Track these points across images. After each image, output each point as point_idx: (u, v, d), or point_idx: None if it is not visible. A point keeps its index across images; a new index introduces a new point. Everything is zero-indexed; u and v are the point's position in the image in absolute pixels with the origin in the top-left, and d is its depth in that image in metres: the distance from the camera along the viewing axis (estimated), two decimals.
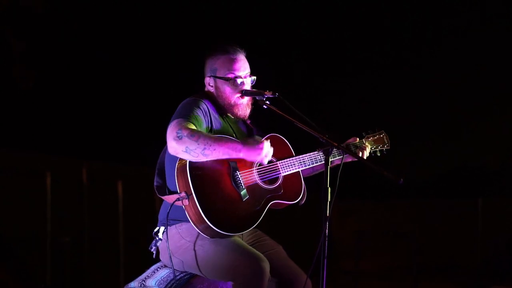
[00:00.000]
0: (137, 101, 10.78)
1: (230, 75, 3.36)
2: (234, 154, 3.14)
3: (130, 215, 8.43)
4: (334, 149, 3.29)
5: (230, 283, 3.21)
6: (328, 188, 3.07)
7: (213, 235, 3.19)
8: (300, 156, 3.43)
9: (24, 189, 7.56)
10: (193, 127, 3.15)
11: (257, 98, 3.35)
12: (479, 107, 11.81)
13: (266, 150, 3.19)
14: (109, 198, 8.37)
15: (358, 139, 3.68)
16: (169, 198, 3.24)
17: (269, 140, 3.24)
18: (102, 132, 10.76)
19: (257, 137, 3.27)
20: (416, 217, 11.55)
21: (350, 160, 3.48)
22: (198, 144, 3.07)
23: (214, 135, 3.15)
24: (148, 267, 3.46)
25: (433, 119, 12.13)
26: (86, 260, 8.00)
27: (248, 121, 3.53)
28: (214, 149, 3.09)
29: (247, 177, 3.26)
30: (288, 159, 3.41)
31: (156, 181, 3.37)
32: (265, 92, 3.32)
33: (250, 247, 3.25)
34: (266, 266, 3.16)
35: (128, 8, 10.54)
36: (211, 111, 3.32)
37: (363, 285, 9.72)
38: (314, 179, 3.59)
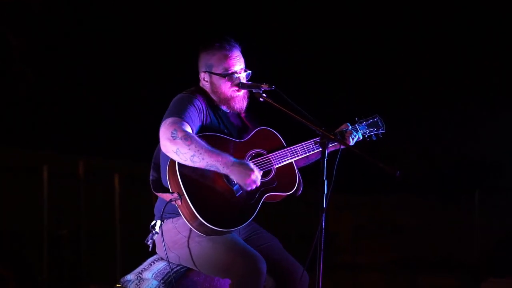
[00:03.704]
0: (134, 96, 10.75)
1: (226, 72, 3.33)
2: (221, 169, 3.11)
3: (126, 209, 8.43)
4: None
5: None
6: (324, 180, 3.06)
7: (208, 232, 3.18)
8: (292, 146, 3.41)
9: (21, 183, 7.58)
10: (188, 128, 3.14)
11: (253, 91, 3.33)
12: (479, 99, 11.78)
13: (255, 177, 3.17)
14: (106, 192, 8.37)
15: (349, 124, 3.62)
16: (163, 196, 3.23)
17: (260, 172, 3.20)
18: (98, 127, 10.74)
19: (251, 164, 3.22)
20: (413, 210, 11.56)
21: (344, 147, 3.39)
22: (189, 149, 3.06)
23: (209, 147, 3.11)
24: (144, 260, 3.46)
25: (432, 113, 12.10)
26: (83, 253, 8.01)
27: (243, 115, 3.51)
28: (203, 158, 3.08)
29: None
30: (280, 151, 3.38)
31: (151, 175, 3.36)
32: (262, 85, 3.30)
33: (248, 246, 3.24)
34: (263, 266, 3.16)
35: (126, 7, 10.50)
36: (204, 107, 3.30)
37: (361, 279, 9.74)
38: (311, 172, 3.57)
